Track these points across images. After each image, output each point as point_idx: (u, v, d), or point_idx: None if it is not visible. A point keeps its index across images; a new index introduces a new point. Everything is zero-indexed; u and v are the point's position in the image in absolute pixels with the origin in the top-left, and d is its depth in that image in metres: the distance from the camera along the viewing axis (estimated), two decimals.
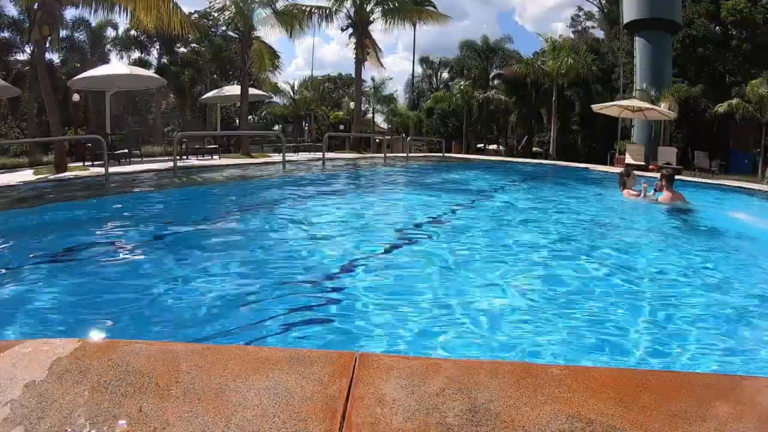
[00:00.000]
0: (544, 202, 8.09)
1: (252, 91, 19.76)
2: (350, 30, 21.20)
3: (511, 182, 10.98)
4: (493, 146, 36.85)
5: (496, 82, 35.48)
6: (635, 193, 7.10)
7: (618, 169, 12.45)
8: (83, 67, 20.01)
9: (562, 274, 3.76)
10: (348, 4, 21.00)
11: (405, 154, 16.71)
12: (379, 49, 23.32)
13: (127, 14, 12.27)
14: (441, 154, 18.66)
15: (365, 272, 3.72)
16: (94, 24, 26.29)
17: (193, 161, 14.10)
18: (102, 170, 9.23)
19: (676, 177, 7.72)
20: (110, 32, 28.57)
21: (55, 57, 25.30)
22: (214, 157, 15.27)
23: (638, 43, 26.85)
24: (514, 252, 4.47)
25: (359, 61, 21.16)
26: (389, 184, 10.36)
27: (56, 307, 3.00)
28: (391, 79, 42.33)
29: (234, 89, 19.75)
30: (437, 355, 2.39)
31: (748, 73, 25.33)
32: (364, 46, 20.93)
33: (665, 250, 4.75)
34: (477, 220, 6.22)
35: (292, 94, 35.36)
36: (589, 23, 38.75)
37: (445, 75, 39.90)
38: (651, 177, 8.59)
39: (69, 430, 1.23)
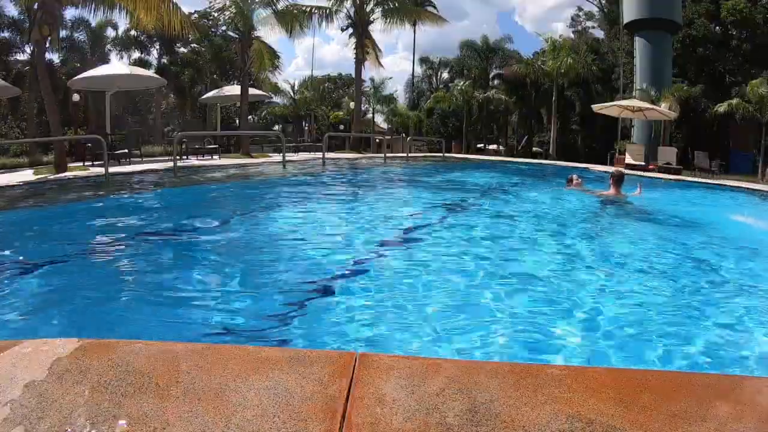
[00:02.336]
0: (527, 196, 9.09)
1: (252, 91, 19.76)
2: (350, 30, 21.21)
3: (507, 182, 11.06)
4: (493, 146, 36.85)
5: (496, 82, 35.47)
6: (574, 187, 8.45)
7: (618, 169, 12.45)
8: (83, 67, 20.02)
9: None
10: (348, 4, 21.03)
11: (405, 154, 16.70)
12: (379, 50, 23.37)
13: (127, 14, 12.28)
14: (441, 154, 18.65)
15: (365, 271, 3.72)
16: (94, 24, 26.32)
17: (193, 161, 14.10)
18: (102, 170, 9.23)
19: (679, 178, 8.12)
20: (110, 32, 28.61)
21: (55, 57, 25.32)
22: (214, 157, 15.27)
23: (638, 43, 26.86)
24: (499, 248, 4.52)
25: (359, 61, 21.16)
26: (389, 184, 10.36)
27: (56, 307, 3.00)
28: (390, 78, 42.43)
29: (234, 89, 19.74)
30: (437, 354, 2.39)
31: (748, 73, 25.34)
32: (364, 46, 20.94)
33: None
34: (471, 217, 6.25)
35: (292, 94, 35.35)
36: (589, 23, 38.79)
37: (445, 75, 39.91)
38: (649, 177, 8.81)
39: (69, 430, 1.23)
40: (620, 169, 8.08)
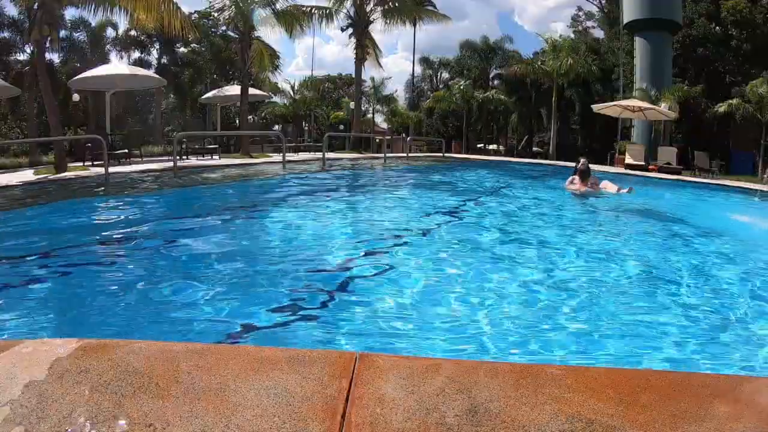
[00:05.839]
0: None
1: (252, 91, 19.74)
2: (350, 30, 21.21)
3: (504, 182, 11.14)
4: (493, 146, 36.90)
5: (496, 82, 35.51)
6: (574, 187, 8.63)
7: (617, 169, 12.56)
8: (83, 67, 19.99)
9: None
10: (348, 4, 21.04)
11: (405, 154, 16.71)
12: (379, 50, 23.41)
13: (127, 14, 12.29)
14: (441, 154, 18.67)
15: (364, 272, 3.72)
16: (94, 24, 26.27)
17: (193, 161, 14.10)
18: (102, 170, 9.23)
19: (679, 178, 8.35)
20: (110, 32, 28.56)
21: (55, 57, 25.29)
22: (214, 157, 15.28)
23: (638, 43, 26.87)
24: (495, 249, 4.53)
25: (359, 61, 21.16)
26: (388, 184, 10.36)
27: (56, 307, 3.00)
28: (389, 78, 42.44)
29: (234, 89, 19.74)
30: (436, 353, 2.39)
31: (748, 73, 25.34)
32: (365, 46, 20.94)
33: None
34: (467, 216, 6.26)
35: (292, 94, 35.32)
36: (589, 23, 38.83)
37: (445, 75, 39.94)
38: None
39: (69, 430, 1.23)
40: (585, 161, 8.31)
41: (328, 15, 21.24)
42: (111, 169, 9.40)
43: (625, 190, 8.10)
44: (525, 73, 28.95)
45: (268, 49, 18.50)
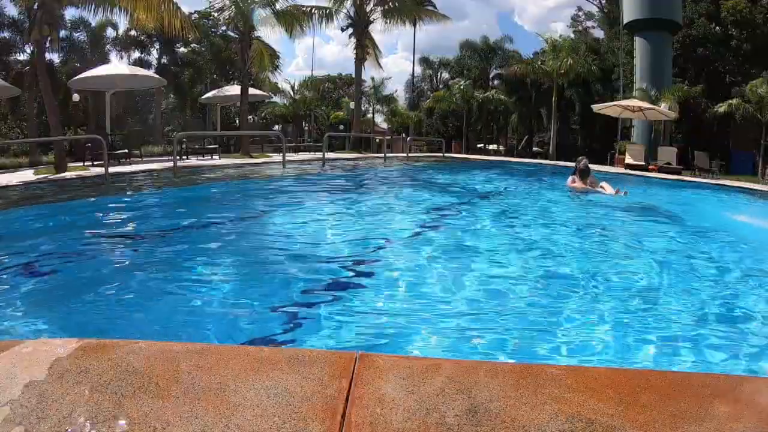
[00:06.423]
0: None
1: (252, 91, 19.74)
2: (350, 30, 21.22)
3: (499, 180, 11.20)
4: (493, 146, 36.90)
5: (496, 82, 35.51)
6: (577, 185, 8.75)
7: (618, 169, 12.58)
8: (83, 67, 19.98)
9: None
10: (348, 4, 21.04)
11: (405, 154, 16.71)
12: (379, 50, 23.42)
13: (127, 14, 12.30)
14: (441, 154, 18.67)
15: (364, 272, 3.72)
16: (94, 24, 26.24)
17: (193, 161, 14.10)
18: (102, 170, 9.23)
19: (678, 177, 8.47)
20: (110, 32, 28.54)
21: (55, 57, 25.28)
22: (214, 157, 15.28)
23: (638, 43, 26.86)
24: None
25: (359, 61, 21.17)
26: (388, 184, 10.36)
27: (56, 307, 3.00)
28: (389, 78, 42.44)
29: (234, 89, 19.74)
30: (436, 353, 2.39)
31: (748, 73, 25.33)
32: (364, 46, 20.95)
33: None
34: (463, 213, 6.27)
35: (292, 94, 35.30)
36: (589, 23, 38.82)
37: (445, 75, 39.93)
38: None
39: (69, 430, 1.23)
40: (584, 161, 8.49)
41: (328, 15, 21.26)
42: (111, 169, 9.40)
43: (622, 193, 8.17)
44: (525, 73, 28.92)
45: (268, 49, 18.49)
